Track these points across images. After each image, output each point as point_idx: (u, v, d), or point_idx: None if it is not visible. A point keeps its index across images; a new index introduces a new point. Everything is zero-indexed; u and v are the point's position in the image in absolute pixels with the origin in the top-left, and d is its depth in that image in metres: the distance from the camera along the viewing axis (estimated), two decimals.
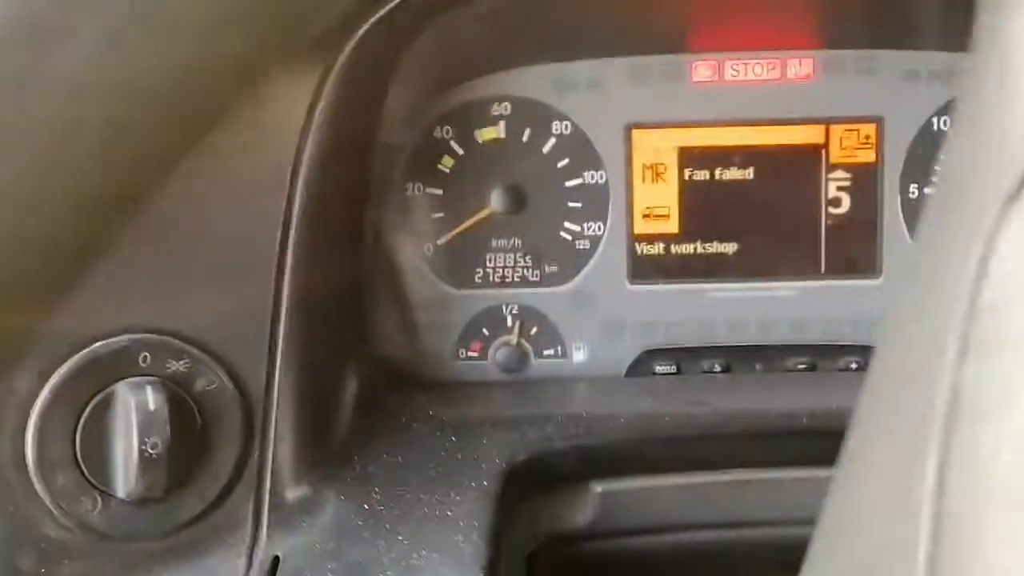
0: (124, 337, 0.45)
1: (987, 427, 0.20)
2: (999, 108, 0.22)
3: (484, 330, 0.65)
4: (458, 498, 0.49)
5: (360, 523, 0.47)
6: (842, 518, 0.25)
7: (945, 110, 0.63)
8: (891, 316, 0.26)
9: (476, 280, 0.65)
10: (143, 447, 0.43)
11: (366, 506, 0.48)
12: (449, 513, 0.48)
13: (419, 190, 0.64)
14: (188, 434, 0.45)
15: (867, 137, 0.64)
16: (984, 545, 0.19)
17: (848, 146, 0.65)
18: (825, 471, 0.54)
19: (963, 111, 0.24)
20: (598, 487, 0.55)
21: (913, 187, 0.64)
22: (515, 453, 0.52)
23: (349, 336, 0.57)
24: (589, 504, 0.55)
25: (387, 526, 0.46)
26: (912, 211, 0.64)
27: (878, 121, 0.64)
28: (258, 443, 0.47)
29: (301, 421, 0.49)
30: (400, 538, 0.45)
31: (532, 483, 0.53)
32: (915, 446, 0.21)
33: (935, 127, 0.64)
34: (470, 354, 0.65)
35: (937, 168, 0.25)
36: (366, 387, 0.56)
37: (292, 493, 0.49)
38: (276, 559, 0.46)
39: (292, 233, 0.47)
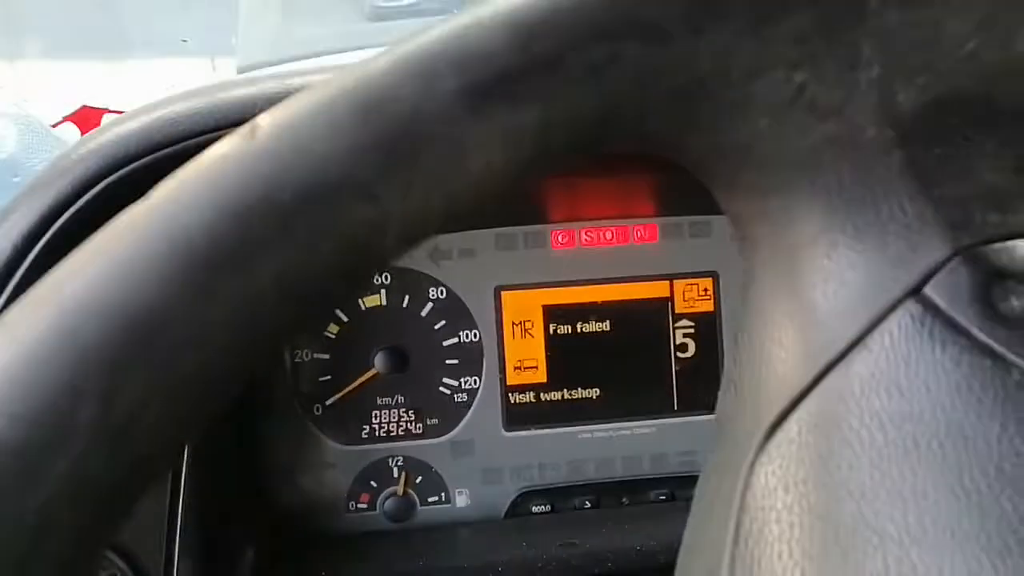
0: None
1: None
2: (759, 353, 0.29)
3: (372, 482, 0.70)
4: None
5: None
6: None
7: None
8: (691, 513, 0.31)
9: (363, 436, 0.70)
10: None
11: None
12: None
13: (307, 356, 0.69)
14: None
15: (705, 289, 0.73)
16: None
17: (690, 297, 0.73)
18: None
19: (737, 347, 0.28)
20: None
21: None
22: None
23: (245, 505, 0.61)
24: None
25: None
26: None
27: (714, 276, 0.73)
28: None
29: None
30: None
31: None
32: None
33: None
34: (359, 505, 0.70)
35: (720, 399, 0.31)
36: (262, 556, 0.59)
37: None
38: None
39: None
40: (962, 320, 0.25)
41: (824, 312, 0.26)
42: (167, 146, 0.48)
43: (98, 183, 0.47)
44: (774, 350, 0.27)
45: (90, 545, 0.19)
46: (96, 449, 0.18)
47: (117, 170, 0.47)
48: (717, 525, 0.27)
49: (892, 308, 0.25)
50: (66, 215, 0.46)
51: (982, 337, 0.24)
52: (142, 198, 0.20)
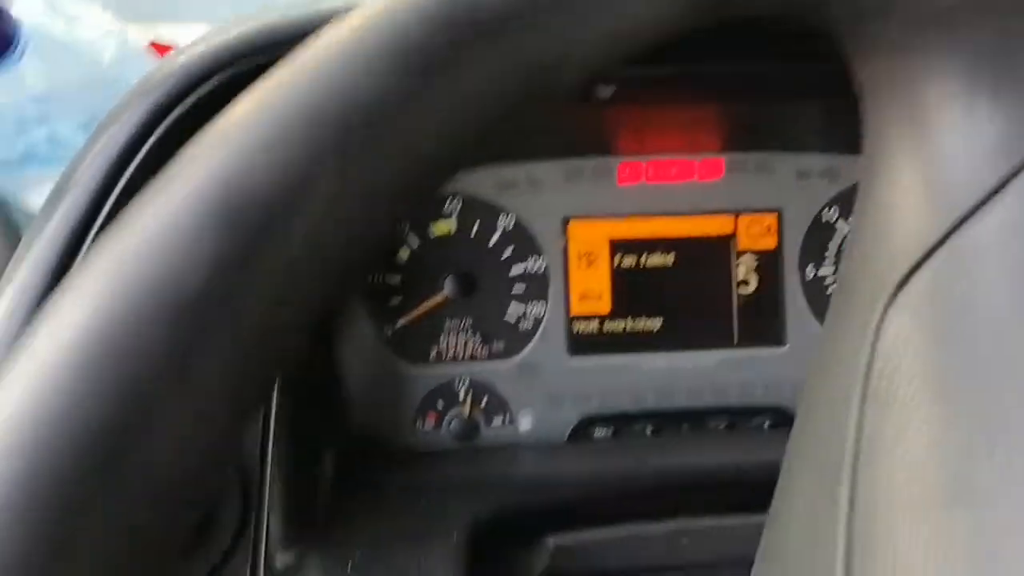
0: None
1: (884, 460, 0.26)
2: (885, 213, 0.30)
3: (439, 403, 0.72)
4: (427, 554, 0.55)
5: None
6: (774, 547, 0.32)
7: (832, 203, 0.74)
8: (807, 386, 0.33)
9: (431, 358, 0.72)
10: None
11: (349, 565, 0.54)
12: (422, 567, 0.54)
13: (379, 279, 0.71)
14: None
15: (769, 226, 0.74)
16: (890, 548, 0.24)
17: (753, 234, 0.75)
18: (749, 518, 0.62)
19: (858, 212, 0.30)
20: (551, 541, 0.61)
21: (810, 268, 0.74)
22: (478, 513, 0.59)
23: (325, 416, 0.63)
24: (544, 556, 0.61)
25: None
26: (810, 289, 0.74)
27: (778, 213, 0.74)
28: (253, 517, 0.53)
29: (289, 496, 0.55)
30: None
31: (492, 539, 0.60)
32: (830, 481, 0.28)
33: (824, 218, 0.74)
34: (426, 425, 0.72)
35: (839, 269, 0.32)
36: (340, 460, 0.62)
37: (282, 559, 0.54)
38: None
39: None
40: None
41: (958, 165, 0.27)
42: (268, 51, 0.50)
43: (206, 81, 0.48)
44: (903, 206, 0.29)
45: (320, 310, 0.20)
46: (331, 215, 0.20)
47: (222, 70, 0.49)
48: (843, 376, 0.29)
49: None
50: (177, 110, 0.47)
51: None
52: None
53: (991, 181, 0.27)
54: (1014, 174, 0.27)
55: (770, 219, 0.74)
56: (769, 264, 0.74)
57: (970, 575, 0.22)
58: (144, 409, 0.17)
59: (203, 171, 0.19)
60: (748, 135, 0.73)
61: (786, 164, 0.74)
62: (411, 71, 0.21)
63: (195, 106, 0.48)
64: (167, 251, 0.18)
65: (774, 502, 0.32)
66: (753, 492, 0.65)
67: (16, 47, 0.64)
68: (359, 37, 0.21)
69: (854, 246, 0.31)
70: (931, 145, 0.28)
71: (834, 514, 0.27)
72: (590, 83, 0.61)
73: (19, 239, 0.48)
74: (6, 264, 0.46)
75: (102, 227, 0.46)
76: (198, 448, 0.18)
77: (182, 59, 0.50)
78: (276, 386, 0.55)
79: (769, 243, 0.74)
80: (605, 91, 0.59)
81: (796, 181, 0.74)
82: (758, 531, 0.64)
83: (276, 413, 0.54)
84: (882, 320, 0.28)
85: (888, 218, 0.29)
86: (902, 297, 0.28)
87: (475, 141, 0.23)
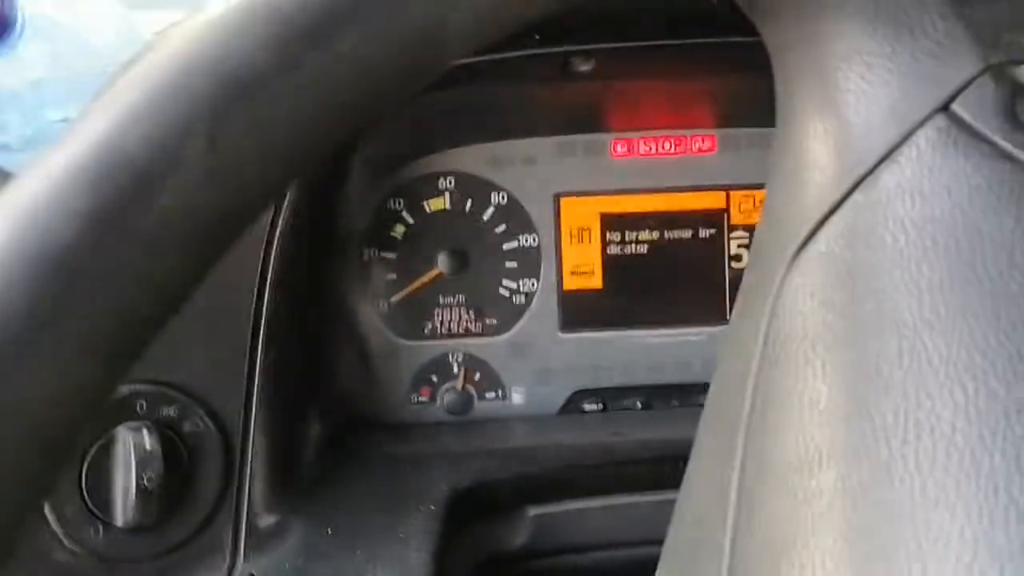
0: (125, 388, 0.53)
1: (772, 420, 0.26)
2: (793, 175, 0.31)
3: (432, 377, 0.73)
4: (408, 520, 0.57)
5: (323, 544, 0.55)
6: (681, 508, 0.33)
7: None
8: (720, 348, 0.34)
9: (425, 332, 0.73)
10: (140, 482, 0.51)
11: (329, 529, 0.56)
12: (400, 534, 0.55)
13: (375, 255, 0.73)
14: (177, 470, 0.53)
15: (761, 201, 0.74)
16: (770, 507, 0.25)
17: (746, 209, 0.75)
18: None
19: (770, 175, 0.31)
20: (532, 511, 0.63)
21: None
22: (460, 481, 0.61)
23: (313, 385, 0.65)
24: (525, 526, 0.63)
25: (347, 545, 0.54)
26: None
27: None
28: (236, 478, 0.55)
29: (273, 459, 0.57)
30: (358, 553, 0.53)
31: (474, 508, 0.61)
32: (728, 442, 0.29)
33: None
34: (420, 398, 0.73)
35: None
36: (328, 429, 0.64)
37: (264, 520, 0.56)
38: None
39: (265, 301, 0.56)
40: (985, 131, 0.26)
41: (857, 129, 0.28)
42: None
43: None
44: (808, 171, 0.29)
45: (191, 275, 0.22)
46: (202, 182, 0.21)
47: None
48: (747, 336, 0.29)
49: (921, 123, 0.27)
50: None
51: (1004, 144, 0.26)
52: None
53: (889, 141, 0.27)
54: (909, 134, 0.27)
55: (762, 194, 0.74)
56: None
57: (841, 533, 0.23)
58: (6, 355, 0.19)
59: (83, 135, 0.20)
60: (741, 110, 0.73)
61: None
62: (285, 39, 0.22)
63: None
64: (41, 204, 0.20)
65: (687, 468, 0.33)
66: None
67: (16, 30, 0.67)
68: (236, 5, 0.22)
69: (767, 206, 0.31)
70: (834, 106, 0.29)
71: (728, 476, 0.28)
72: (566, 58, 0.62)
73: None
74: None
75: None
76: (64, 400, 0.20)
77: (167, 38, 0.52)
78: (260, 360, 0.56)
79: None
80: (584, 65, 0.60)
81: None
82: None
83: (259, 383, 0.56)
84: (783, 282, 0.29)
85: (795, 180, 0.30)
86: (802, 257, 0.28)
87: (357, 117, 0.24)
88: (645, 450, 0.64)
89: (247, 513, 0.55)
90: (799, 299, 0.28)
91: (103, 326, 0.20)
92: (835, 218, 0.28)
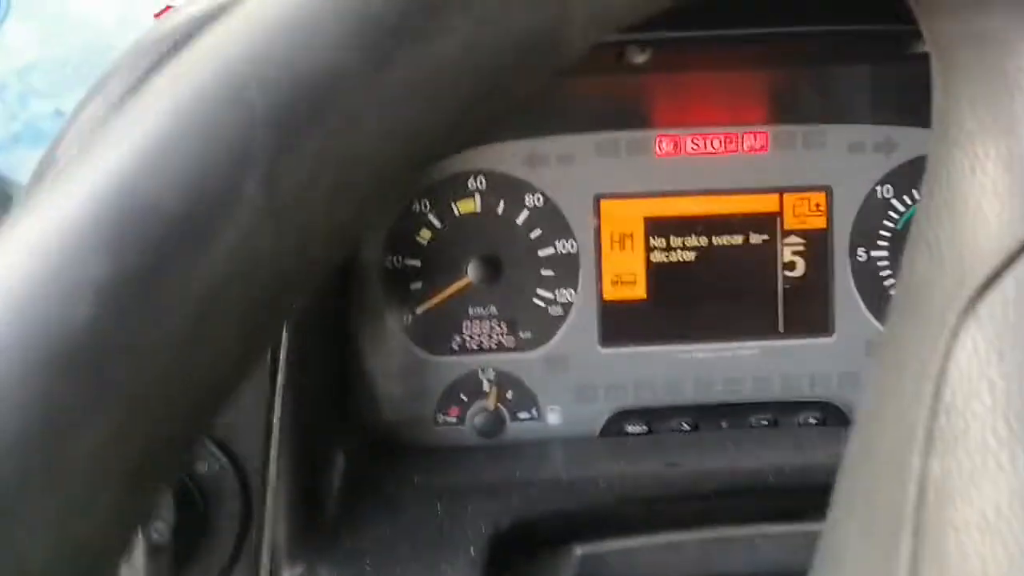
0: None
1: (952, 512, 0.22)
2: (952, 230, 0.25)
3: (461, 395, 0.67)
4: (446, 566, 0.51)
5: None
6: None
7: (887, 179, 0.68)
8: (864, 406, 0.28)
9: (453, 347, 0.67)
10: (149, 536, 0.44)
11: None
12: None
13: (398, 262, 0.66)
14: (190, 516, 0.47)
15: (817, 205, 0.69)
16: None
17: (800, 213, 0.69)
18: (793, 526, 0.57)
19: (921, 226, 0.26)
20: (579, 550, 0.57)
21: (861, 251, 0.69)
22: (499, 519, 0.55)
23: (335, 413, 0.59)
24: (570, 567, 0.57)
25: None
26: (861, 274, 0.68)
27: (827, 190, 0.68)
28: (256, 524, 0.49)
29: (295, 500, 0.51)
30: None
31: (516, 548, 0.55)
32: (889, 531, 0.24)
33: (879, 195, 0.68)
34: (448, 419, 0.67)
35: (902, 262, 0.27)
36: (352, 461, 0.57)
37: (288, 571, 0.50)
38: None
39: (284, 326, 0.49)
40: None
41: None
42: None
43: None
44: (981, 198, 0.23)
45: (258, 326, 0.15)
46: (263, 223, 0.15)
47: None
48: (907, 400, 0.24)
49: None
50: None
51: None
52: None
53: None
54: None
55: (819, 197, 0.68)
56: (817, 246, 0.68)
57: None
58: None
59: (96, 174, 0.14)
60: (795, 105, 0.67)
61: (837, 136, 0.68)
62: (372, 35, 0.16)
63: None
64: (40, 280, 0.13)
65: (819, 550, 0.27)
66: (797, 497, 0.60)
67: None
68: None
69: (921, 237, 0.26)
70: (1017, 124, 0.23)
71: (894, 570, 0.22)
72: (622, 48, 0.55)
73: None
74: None
75: None
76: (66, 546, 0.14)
77: (174, 22, 0.46)
78: (279, 391, 0.50)
79: (817, 223, 0.68)
80: (640, 56, 0.53)
81: (847, 155, 0.68)
82: (803, 540, 0.58)
83: (280, 413, 0.50)
84: (955, 335, 0.23)
85: (964, 210, 0.24)
86: (981, 308, 0.23)
87: (458, 130, 0.18)
88: (704, 482, 0.59)
89: (269, 563, 0.49)
90: (980, 359, 0.22)
91: (120, 458, 0.14)
92: None
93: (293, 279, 0.15)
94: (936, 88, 0.26)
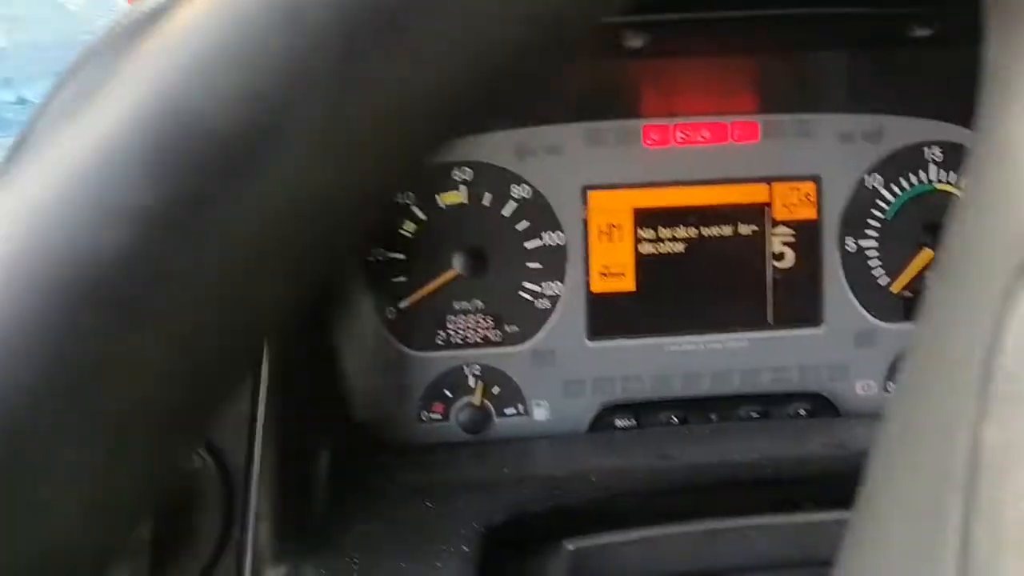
0: None
1: (1008, 482, 0.21)
2: (1005, 188, 0.24)
3: (446, 391, 0.66)
4: (438, 564, 0.49)
5: None
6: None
7: (876, 169, 0.68)
8: (905, 377, 0.27)
9: (438, 342, 0.66)
10: None
11: None
12: None
13: (381, 256, 0.65)
14: (171, 515, 0.45)
15: (807, 195, 0.68)
16: None
17: (790, 203, 0.68)
18: (784, 517, 0.56)
19: (970, 187, 0.25)
20: (570, 545, 0.56)
21: (850, 241, 0.68)
22: (491, 516, 0.53)
23: (319, 410, 0.57)
24: (562, 562, 0.56)
25: None
26: (850, 263, 0.68)
27: (816, 180, 0.68)
28: (238, 523, 0.47)
29: (279, 498, 0.49)
30: None
31: (507, 545, 0.54)
32: (935, 501, 0.22)
33: (868, 185, 0.68)
34: (432, 415, 0.66)
35: (943, 239, 0.26)
36: (337, 457, 0.56)
37: (272, 571, 0.49)
38: None
39: None
40: None
41: None
42: None
43: None
44: None
45: (309, 268, 0.14)
46: (320, 154, 0.13)
47: None
48: (956, 365, 0.23)
49: None
50: None
51: None
52: None
53: None
54: None
55: (808, 187, 0.68)
56: (806, 236, 0.68)
57: None
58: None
59: (140, 91, 0.13)
60: (785, 94, 0.67)
61: (826, 126, 0.67)
62: None
63: None
64: (80, 205, 0.12)
65: (855, 525, 0.26)
66: (788, 488, 0.60)
67: None
68: None
69: (970, 198, 0.24)
70: None
71: (940, 549, 0.21)
72: (619, 32, 0.54)
73: None
74: None
75: None
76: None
77: (150, 5, 0.44)
78: (263, 386, 0.49)
79: (807, 213, 0.68)
80: (637, 40, 0.52)
81: (837, 145, 0.67)
82: (794, 532, 0.57)
83: (264, 410, 0.48)
84: (1007, 307, 0.22)
85: (1018, 167, 0.23)
86: None
87: (478, 101, 0.16)
88: (694, 475, 0.58)
89: (252, 564, 0.47)
90: None
91: (157, 402, 0.13)
92: None
93: (346, 220, 0.14)
94: (991, 46, 0.25)
